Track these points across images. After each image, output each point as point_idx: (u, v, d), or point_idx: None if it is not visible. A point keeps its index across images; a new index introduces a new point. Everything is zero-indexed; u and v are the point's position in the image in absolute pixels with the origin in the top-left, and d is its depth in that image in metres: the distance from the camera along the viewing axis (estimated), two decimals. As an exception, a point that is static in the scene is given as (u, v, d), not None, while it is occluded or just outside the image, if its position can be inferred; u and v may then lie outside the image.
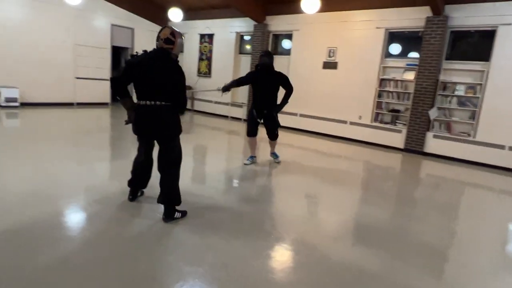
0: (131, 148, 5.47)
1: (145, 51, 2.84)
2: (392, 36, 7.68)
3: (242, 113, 10.13)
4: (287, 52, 9.26)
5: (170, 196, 2.93)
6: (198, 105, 11.32)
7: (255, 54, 9.54)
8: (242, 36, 10.35)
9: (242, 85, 5.07)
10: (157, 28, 11.61)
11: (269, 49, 9.55)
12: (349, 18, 7.95)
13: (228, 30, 10.29)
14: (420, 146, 7.18)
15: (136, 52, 2.92)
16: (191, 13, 11.00)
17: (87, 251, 2.40)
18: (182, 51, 3.07)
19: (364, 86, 7.85)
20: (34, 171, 4.06)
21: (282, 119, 9.08)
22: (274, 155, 5.46)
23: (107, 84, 10.61)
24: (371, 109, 7.86)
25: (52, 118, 8.07)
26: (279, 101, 5.03)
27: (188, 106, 11.50)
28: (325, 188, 4.56)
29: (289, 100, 5.00)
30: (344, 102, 8.20)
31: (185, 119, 9.72)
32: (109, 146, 6.24)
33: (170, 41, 2.82)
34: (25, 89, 8.86)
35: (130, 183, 3.26)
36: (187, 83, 3.22)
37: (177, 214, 2.96)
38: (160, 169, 2.97)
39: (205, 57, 11.00)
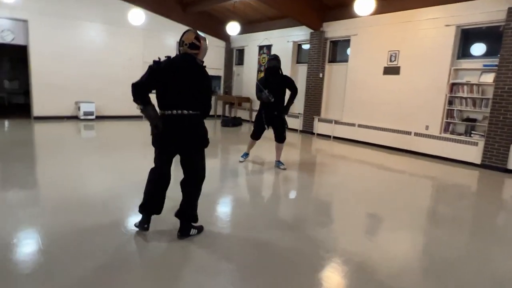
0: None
1: (168, 57, 2.63)
2: (465, 34, 6.65)
3: (298, 124, 9.80)
4: (345, 59, 8.71)
5: (189, 212, 2.76)
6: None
7: (311, 63, 9.20)
8: (299, 45, 10.11)
9: (264, 90, 5.02)
10: (219, 42, 12.10)
11: (327, 57, 9.13)
12: (413, 17, 7.14)
13: (285, 40, 10.15)
14: (503, 162, 5.98)
15: (159, 57, 2.66)
16: (250, 26, 11.17)
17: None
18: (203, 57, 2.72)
19: (432, 92, 6.92)
20: (113, 177, 4.47)
21: (339, 130, 8.70)
22: (279, 163, 5.38)
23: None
24: (440, 118, 6.87)
25: (123, 130, 8.84)
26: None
27: (246, 117, 11.60)
28: (385, 209, 3.93)
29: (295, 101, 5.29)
30: (408, 111, 7.33)
31: (243, 130, 9.81)
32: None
33: (195, 46, 2.63)
34: (100, 103, 9.89)
35: (143, 208, 2.80)
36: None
37: (193, 231, 2.79)
38: (185, 185, 2.78)
39: (263, 69, 11.00)
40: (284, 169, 5.28)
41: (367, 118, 8.11)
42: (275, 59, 5.04)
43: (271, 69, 5.01)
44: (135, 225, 2.80)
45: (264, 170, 5.39)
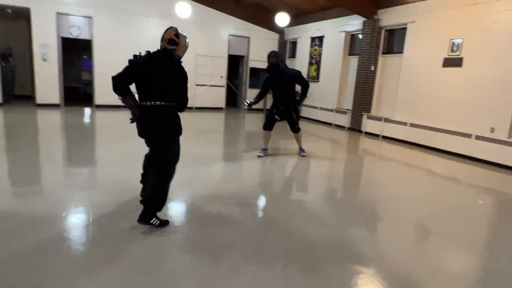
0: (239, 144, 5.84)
1: (148, 52, 2.77)
2: (550, 17, 5.38)
3: (346, 121, 9.11)
4: (400, 50, 7.78)
5: (150, 199, 2.81)
6: (304, 111, 10.85)
7: (363, 55, 8.44)
8: (352, 36, 9.35)
9: (265, 94, 5.36)
10: (273, 35, 11.85)
11: (380, 47, 8.28)
12: (482, -1, 6.02)
13: (337, 30, 9.48)
14: None
15: (140, 52, 2.81)
16: (302, 17, 10.70)
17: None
18: (181, 55, 2.80)
19: (500, 88, 5.77)
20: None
21: (389, 129, 7.85)
22: (301, 150, 5.67)
23: (223, 90, 11.45)
24: (509, 120, 5.72)
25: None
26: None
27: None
28: (436, 221, 3.43)
29: (308, 95, 5.39)
30: (469, 110, 6.25)
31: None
32: (223, 144, 6.73)
33: (173, 42, 2.73)
34: (153, 94, 10.41)
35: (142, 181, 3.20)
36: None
37: (154, 220, 2.78)
38: (149, 172, 2.92)
39: (315, 61, 10.46)
40: (304, 156, 5.57)
41: (421, 117, 7.15)
42: (274, 56, 5.06)
43: (271, 66, 5.03)
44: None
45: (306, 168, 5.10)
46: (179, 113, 2.86)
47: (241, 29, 11.40)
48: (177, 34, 2.75)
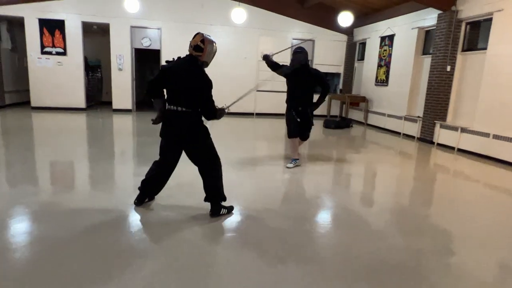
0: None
1: (178, 58, 2.98)
2: None
3: (416, 129, 7.93)
4: (484, 47, 6.42)
5: (214, 195, 3.05)
6: (371, 118, 9.84)
7: (436, 54, 7.24)
8: (427, 32, 8.12)
9: (278, 70, 4.90)
10: (340, 36, 11.10)
11: (459, 44, 6.99)
12: None
13: (409, 27, 8.36)
14: None
15: (173, 58, 3.11)
16: (372, 16, 9.78)
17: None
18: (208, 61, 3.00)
19: None
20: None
21: (466, 141, 6.55)
22: (294, 161, 4.95)
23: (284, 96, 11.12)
24: None
25: (236, 125, 9.26)
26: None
27: (360, 118, 10.28)
28: None
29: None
30: None
31: (356, 133, 8.74)
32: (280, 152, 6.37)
33: (199, 48, 2.80)
34: (215, 99, 10.65)
35: (142, 184, 3.17)
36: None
37: (223, 210, 3.10)
38: (200, 173, 3.06)
39: (384, 63, 9.42)
40: (295, 166, 4.90)
41: (507, 127, 5.76)
42: (301, 52, 4.68)
43: (297, 63, 4.67)
44: (134, 202, 3.20)
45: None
46: (207, 121, 3.00)
47: (305, 32, 10.95)
48: (203, 40, 2.80)
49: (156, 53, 10.40)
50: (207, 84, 2.84)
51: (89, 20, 9.67)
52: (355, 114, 10.70)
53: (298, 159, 5.02)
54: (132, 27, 9.93)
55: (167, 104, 2.92)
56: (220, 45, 11.17)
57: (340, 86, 11.59)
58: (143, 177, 3.17)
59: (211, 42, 2.85)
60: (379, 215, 3.47)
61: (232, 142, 6.92)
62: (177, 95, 2.83)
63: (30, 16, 9.34)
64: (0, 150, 5.49)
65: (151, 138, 6.98)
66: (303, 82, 4.76)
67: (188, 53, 2.90)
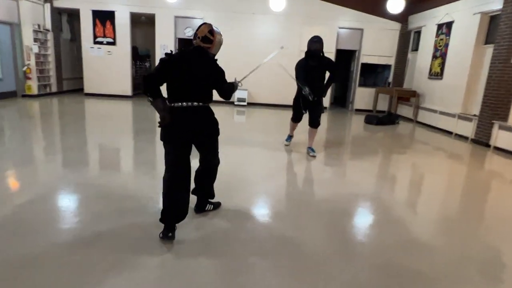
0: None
1: (181, 50, 2.64)
2: None
3: (471, 130, 6.95)
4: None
5: (209, 192, 2.98)
6: (421, 115, 8.90)
7: (500, 42, 6.23)
8: (491, 19, 7.01)
9: (300, 78, 4.74)
10: (392, 25, 10.17)
11: (531, 31, 5.91)
12: None
13: (470, 12, 7.30)
14: None
15: (171, 50, 2.81)
16: (430, 0, 8.75)
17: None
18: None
19: None
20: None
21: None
22: (311, 149, 5.11)
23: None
24: None
25: (271, 117, 9.09)
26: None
27: (409, 114, 9.38)
28: None
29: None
30: None
31: (402, 131, 8.01)
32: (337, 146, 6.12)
33: (208, 40, 2.59)
34: (253, 91, 10.51)
35: (166, 216, 2.52)
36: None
37: (208, 206, 3.02)
38: (205, 171, 2.87)
39: (439, 54, 8.40)
40: (314, 156, 5.01)
41: None
42: (319, 42, 4.59)
43: (313, 52, 4.61)
44: (159, 236, 2.50)
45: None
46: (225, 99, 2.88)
47: (353, 21, 10.22)
48: (212, 31, 2.60)
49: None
50: (223, 74, 2.70)
51: (137, 11, 10.04)
52: (405, 110, 9.77)
53: (292, 136, 5.53)
54: (176, 17, 10.11)
55: (171, 102, 2.53)
56: (261, 34, 10.97)
57: (391, 79, 10.67)
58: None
59: (219, 33, 2.67)
60: (420, 226, 3.06)
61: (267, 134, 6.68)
62: (190, 89, 2.52)
63: (85, 8, 9.97)
64: (56, 131, 6.02)
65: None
66: (318, 71, 4.74)
67: (194, 44, 2.62)
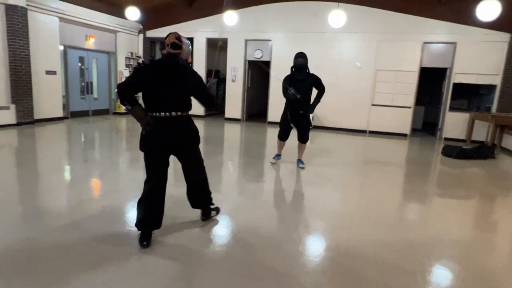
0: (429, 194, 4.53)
1: (152, 58, 2.87)
2: None
3: None
4: None
5: (207, 199, 3.02)
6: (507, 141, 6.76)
7: None
8: None
9: (287, 91, 4.85)
10: (498, 36, 8.21)
11: None
12: None
13: None
14: None
15: (143, 60, 3.04)
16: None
17: None
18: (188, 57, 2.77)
19: None
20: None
21: None
22: (300, 161, 5.32)
23: (409, 112, 9.13)
24: None
25: (343, 143, 8.18)
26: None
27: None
28: None
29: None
30: None
31: (494, 168, 6.24)
32: (401, 183, 5.13)
33: (177, 46, 2.64)
34: (319, 113, 9.78)
35: (142, 223, 2.62)
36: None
37: (213, 213, 3.10)
38: (192, 178, 2.88)
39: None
40: (303, 168, 5.20)
41: None
42: (302, 57, 4.82)
43: (297, 67, 4.83)
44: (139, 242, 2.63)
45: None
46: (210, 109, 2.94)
47: (443, 33, 8.63)
48: (179, 38, 2.66)
49: (265, 64, 10.43)
50: (201, 79, 2.71)
51: (212, 36, 10.64)
52: (508, 140, 7.62)
53: (280, 155, 5.45)
54: (246, 40, 10.32)
55: (149, 112, 2.55)
56: (333, 54, 10.44)
57: (495, 102, 8.54)
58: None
59: (186, 39, 2.72)
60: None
61: (336, 163, 6.01)
62: (166, 99, 2.51)
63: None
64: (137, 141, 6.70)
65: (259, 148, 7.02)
66: (304, 86, 4.82)
67: (163, 54, 2.67)
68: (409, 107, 9.13)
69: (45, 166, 5.05)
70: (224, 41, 10.67)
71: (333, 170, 5.43)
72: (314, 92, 5.01)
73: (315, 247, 2.84)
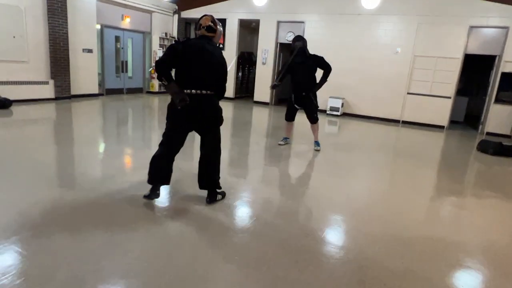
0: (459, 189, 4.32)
1: (187, 38, 3.06)
2: None
3: None
4: None
5: (216, 181, 3.00)
6: None
7: None
8: None
9: (285, 76, 5.12)
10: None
11: None
12: None
13: None
14: None
15: (178, 37, 3.26)
16: None
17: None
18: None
19: None
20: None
21: None
22: (316, 143, 5.34)
23: (448, 103, 8.49)
24: None
25: (373, 133, 7.78)
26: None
27: None
28: None
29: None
30: None
31: None
32: (424, 179, 4.63)
33: (211, 29, 2.77)
34: (349, 100, 9.38)
35: (153, 178, 2.85)
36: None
37: (218, 197, 3.07)
38: (207, 158, 2.94)
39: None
40: (318, 150, 5.25)
41: None
42: (300, 40, 4.94)
43: (297, 51, 4.87)
44: (144, 196, 2.88)
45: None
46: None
47: (494, 17, 7.80)
48: (214, 21, 2.78)
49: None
50: (226, 63, 2.85)
51: (244, 17, 10.49)
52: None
53: (288, 138, 5.55)
54: (278, 22, 10.05)
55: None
56: (366, 37, 9.94)
57: None
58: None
59: (219, 23, 2.85)
60: None
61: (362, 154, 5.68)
62: (200, 77, 2.67)
63: (203, 17, 11.08)
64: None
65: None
66: (304, 68, 4.94)
67: (197, 34, 2.84)
68: (449, 97, 8.46)
69: (80, 138, 5.41)
70: (257, 23, 10.49)
71: (357, 159, 5.22)
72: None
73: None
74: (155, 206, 2.92)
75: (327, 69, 4.97)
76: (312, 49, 9.47)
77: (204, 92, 2.68)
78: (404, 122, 8.97)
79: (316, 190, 3.85)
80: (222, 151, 3.02)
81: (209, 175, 2.94)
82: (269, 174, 4.35)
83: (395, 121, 9.06)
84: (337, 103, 9.28)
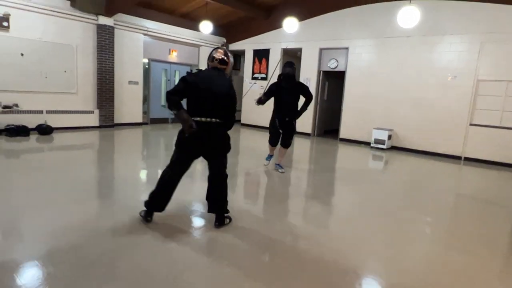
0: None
1: (199, 70, 2.99)
2: None
3: None
4: None
5: (224, 206, 3.10)
6: None
7: None
8: None
9: (271, 96, 5.13)
10: None
11: None
12: None
13: None
14: None
15: (191, 69, 3.41)
16: None
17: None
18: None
19: None
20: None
21: None
22: (279, 166, 5.39)
23: (525, 136, 6.84)
24: None
25: (427, 171, 6.62)
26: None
27: None
28: None
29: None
30: None
31: None
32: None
33: (224, 62, 2.98)
34: (398, 131, 8.21)
35: (150, 206, 2.99)
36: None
37: (226, 221, 3.14)
38: (214, 183, 3.06)
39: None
40: (283, 172, 5.28)
41: None
42: (290, 66, 5.04)
43: (285, 76, 5.02)
44: (140, 214, 3.08)
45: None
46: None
47: None
48: (227, 54, 3.00)
49: (340, 75, 9.39)
50: (235, 95, 2.97)
51: (287, 47, 10.24)
52: None
53: (272, 155, 5.58)
54: (321, 49, 9.55)
55: (192, 116, 2.80)
56: (418, 61, 9.04)
57: None
58: None
59: (231, 56, 3.05)
60: None
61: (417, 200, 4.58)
62: (210, 106, 2.82)
63: (249, 48, 11.17)
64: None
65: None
66: (291, 94, 5.05)
67: (209, 66, 3.01)
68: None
69: (120, 163, 5.82)
70: (301, 52, 10.15)
71: (413, 205, 4.29)
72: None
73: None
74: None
75: (309, 98, 5.13)
76: (356, 76, 8.81)
77: (213, 120, 2.84)
78: (467, 159, 7.46)
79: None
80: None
81: (217, 200, 3.02)
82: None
83: (455, 157, 7.59)
84: (383, 135, 8.19)
